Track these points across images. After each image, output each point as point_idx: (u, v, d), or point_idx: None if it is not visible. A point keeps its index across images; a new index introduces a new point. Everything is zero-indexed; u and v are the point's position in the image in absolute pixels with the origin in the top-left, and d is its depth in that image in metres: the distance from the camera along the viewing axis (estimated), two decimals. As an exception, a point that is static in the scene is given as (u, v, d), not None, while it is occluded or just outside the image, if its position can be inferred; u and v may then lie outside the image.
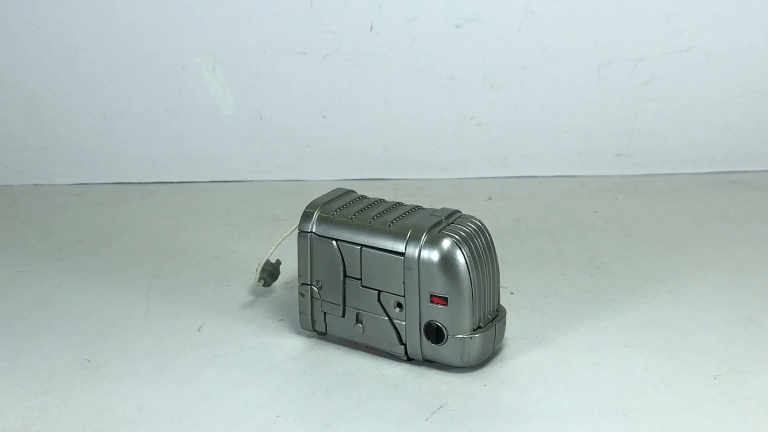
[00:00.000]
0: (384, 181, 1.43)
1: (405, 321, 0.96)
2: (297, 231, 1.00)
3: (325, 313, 1.00)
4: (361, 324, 0.98)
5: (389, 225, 0.96)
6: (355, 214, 0.98)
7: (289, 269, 1.14)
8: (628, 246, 1.22)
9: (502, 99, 1.42)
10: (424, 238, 0.94)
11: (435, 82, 1.41)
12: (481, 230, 0.96)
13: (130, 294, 1.13)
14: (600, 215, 1.31)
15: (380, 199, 1.02)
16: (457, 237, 0.94)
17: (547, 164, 1.44)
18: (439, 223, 0.96)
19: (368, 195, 1.04)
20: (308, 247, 0.99)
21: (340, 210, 0.99)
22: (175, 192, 1.41)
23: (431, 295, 0.94)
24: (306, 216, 1.00)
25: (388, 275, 0.96)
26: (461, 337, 0.94)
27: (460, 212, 0.99)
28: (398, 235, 0.95)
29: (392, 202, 1.01)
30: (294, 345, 1.02)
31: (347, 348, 1.01)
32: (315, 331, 1.02)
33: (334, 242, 0.98)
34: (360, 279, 0.97)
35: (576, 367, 0.97)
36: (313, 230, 0.99)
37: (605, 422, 0.89)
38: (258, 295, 1.12)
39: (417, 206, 1.00)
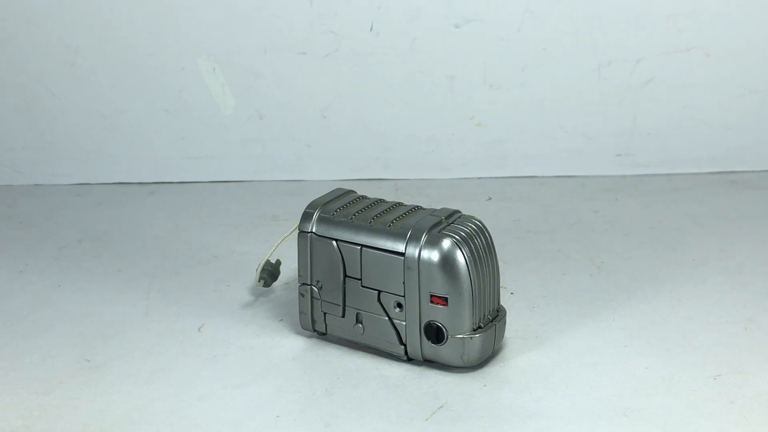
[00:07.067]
0: (384, 181, 1.43)
1: (405, 321, 0.96)
2: (297, 231, 1.00)
3: (325, 313, 1.00)
4: (361, 324, 0.98)
5: (389, 225, 0.96)
6: (355, 215, 0.98)
7: (289, 269, 1.14)
8: (628, 246, 1.22)
9: (502, 99, 1.42)
10: (424, 238, 0.94)
11: (435, 82, 1.41)
12: (481, 230, 0.96)
13: (130, 294, 1.13)
14: (600, 215, 1.31)
15: (380, 199, 1.02)
16: (457, 237, 0.94)
17: (547, 164, 1.44)
18: (439, 223, 0.96)
19: (368, 195, 1.04)
20: (308, 247, 0.99)
21: (340, 210, 0.99)
22: (175, 192, 1.41)
23: (431, 295, 0.94)
24: (306, 216, 1.00)
25: (388, 275, 0.96)
26: (461, 337, 0.94)
27: (460, 212, 0.99)
28: (398, 236, 0.95)
29: (392, 202, 1.01)
30: (294, 345, 1.02)
31: (347, 348, 1.01)
32: (315, 331, 1.02)
33: (334, 242, 0.98)
34: (360, 279, 0.97)
35: (576, 367, 0.97)
36: (313, 230, 0.99)
37: (605, 422, 0.89)
38: (258, 295, 1.12)
39: (417, 206, 1.00)
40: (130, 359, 1.00)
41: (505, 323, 0.99)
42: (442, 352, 0.95)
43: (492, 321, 0.97)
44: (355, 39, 1.40)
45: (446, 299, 0.94)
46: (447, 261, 0.93)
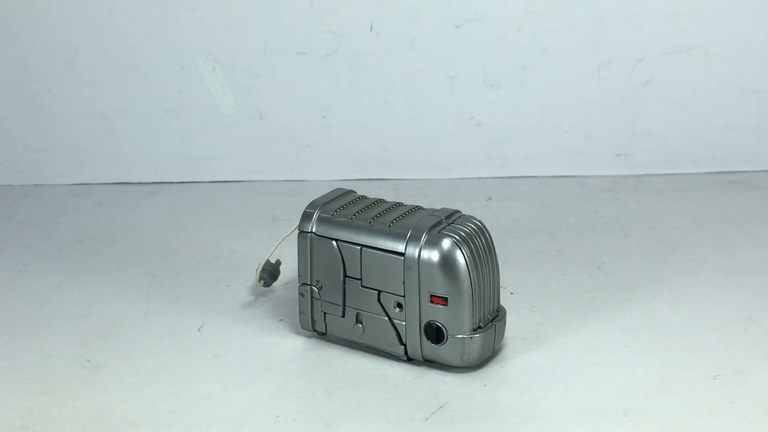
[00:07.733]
0: (384, 181, 1.43)
1: (405, 321, 0.96)
2: (297, 231, 1.00)
3: (325, 313, 1.00)
4: (361, 324, 0.98)
5: (389, 225, 0.96)
6: (355, 215, 0.98)
7: (289, 269, 1.14)
8: (628, 246, 1.22)
9: (502, 99, 1.42)
10: (424, 238, 0.94)
11: (435, 82, 1.41)
12: (481, 230, 0.96)
13: (130, 294, 1.13)
14: (600, 215, 1.31)
15: (380, 200, 1.02)
16: (457, 237, 0.94)
17: (547, 164, 1.44)
18: (439, 223, 0.96)
19: (368, 195, 1.04)
20: (308, 247, 0.99)
21: (340, 210, 0.99)
22: (175, 192, 1.41)
23: (431, 295, 0.94)
24: (306, 216, 1.00)
25: (388, 275, 0.96)
26: (461, 337, 0.94)
27: (460, 212, 0.99)
28: (398, 236, 0.95)
29: (392, 202, 1.01)
30: (294, 345, 1.02)
31: (347, 348, 1.01)
32: (315, 331, 1.02)
33: (334, 242, 0.98)
34: (360, 279, 0.97)
35: (576, 367, 0.97)
36: (313, 230, 0.99)
37: (605, 422, 0.89)
38: (258, 295, 1.12)
39: (417, 206, 1.00)
40: (130, 359, 1.00)
41: (505, 323, 0.99)
42: (442, 352, 0.95)
43: (492, 321, 0.97)
44: (355, 39, 1.40)
45: (446, 299, 0.94)
46: (447, 261, 0.93)
